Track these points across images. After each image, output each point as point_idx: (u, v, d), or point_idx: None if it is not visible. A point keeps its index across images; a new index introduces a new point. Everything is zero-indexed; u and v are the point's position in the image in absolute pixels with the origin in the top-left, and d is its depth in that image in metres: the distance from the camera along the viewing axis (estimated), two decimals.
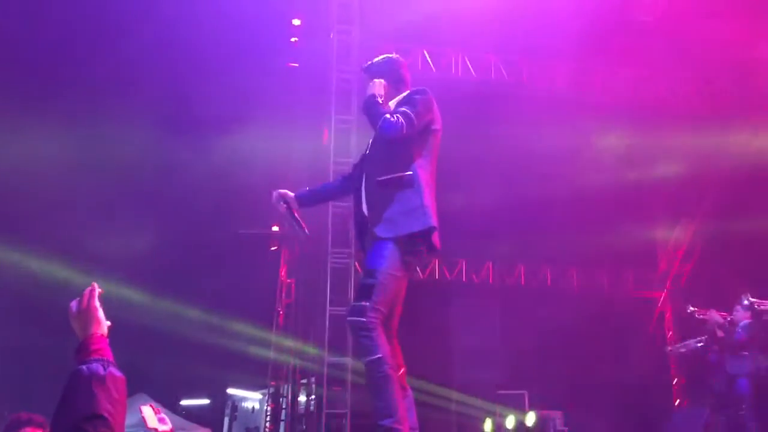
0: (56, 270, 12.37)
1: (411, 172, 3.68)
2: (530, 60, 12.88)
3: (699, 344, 9.71)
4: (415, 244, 3.65)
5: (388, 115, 3.66)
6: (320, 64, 12.61)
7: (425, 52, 12.55)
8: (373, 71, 4.00)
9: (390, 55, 4.14)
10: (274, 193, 4.00)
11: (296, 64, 13.74)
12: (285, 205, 3.98)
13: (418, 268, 3.96)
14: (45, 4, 12.59)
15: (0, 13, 11.82)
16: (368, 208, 3.72)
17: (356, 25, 12.20)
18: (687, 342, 10.41)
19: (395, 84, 3.95)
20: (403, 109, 3.71)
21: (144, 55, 13.26)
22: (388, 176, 3.69)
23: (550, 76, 13.03)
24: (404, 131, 3.64)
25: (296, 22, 13.46)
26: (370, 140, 3.94)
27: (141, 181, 14.82)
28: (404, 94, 3.94)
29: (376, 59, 4.11)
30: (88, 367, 2.03)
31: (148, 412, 4.84)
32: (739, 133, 12.86)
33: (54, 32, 12.62)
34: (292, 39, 13.60)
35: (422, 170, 3.72)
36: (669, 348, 10.76)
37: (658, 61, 12.99)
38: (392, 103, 3.90)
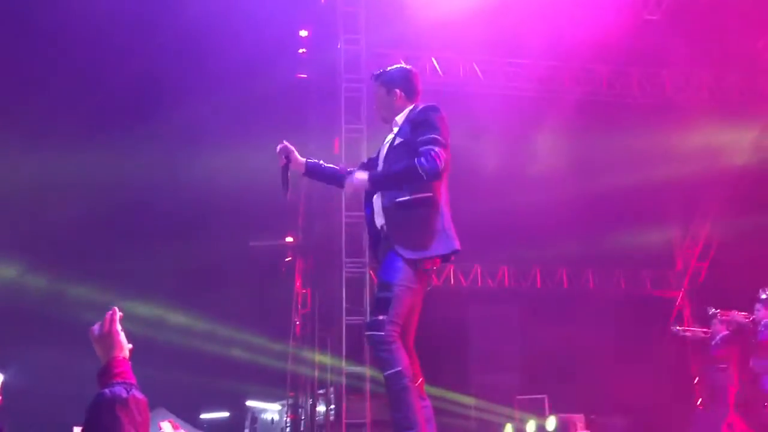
0: (74, 288, 12.46)
1: (431, 194, 3.65)
2: (538, 63, 12.86)
3: (704, 334, 9.72)
4: (435, 263, 3.67)
5: (420, 160, 3.56)
6: (329, 74, 12.65)
7: (433, 59, 12.56)
8: (385, 79, 3.95)
9: (403, 65, 4.10)
10: (281, 145, 3.90)
11: (305, 75, 13.80)
12: (285, 160, 3.89)
13: (434, 277, 3.95)
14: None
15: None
16: (387, 225, 3.69)
17: (363, 34, 12.23)
18: (693, 329, 10.39)
19: (408, 94, 3.90)
20: (429, 137, 3.63)
21: (153, 71, 13.35)
22: (409, 197, 3.64)
23: (558, 78, 13.00)
24: (442, 158, 3.58)
25: (303, 33, 13.52)
26: (383, 149, 3.93)
27: (153, 197, 14.90)
28: (410, 108, 3.87)
29: (389, 68, 4.08)
30: (110, 391, 2.06)
31: (167, 428, 4.92)
32: (752, 128, 12.80)
33: (47, 44, 12.70)
34: (300, 50, 13.66)
35: (440, 189, 3.70)
36: (673, 328, 10.76)
37: (665, 58, 12.94)
38: (401, 117, 3.88)
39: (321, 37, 13.24)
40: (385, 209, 3.69)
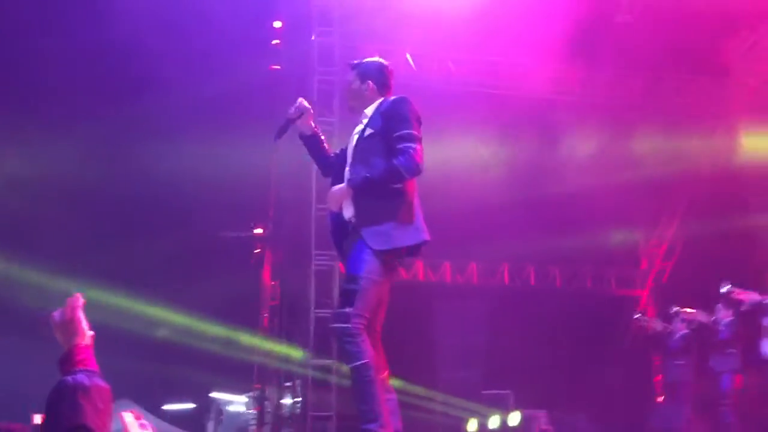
0: (36, 275, 12.28)
1: (400, 185, 3.70)
2: (511, 61, 12.94)
3: (663, 329, 9.97)
4: (401, 255, 3.71)
5: (400, 159, 3.61)
6: (302, 66, 12.58)
7: (407, 54, 12.56)
8: (360, 69, 3.99)
9: (380, 60, 4.12)
10: (302, 101, 3.98)
11: (278, 67, 13.71)
12: (296, 116, 3.95)
13: (400, 271, 4.03)
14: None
15: None
16: (356, 216, 3.71)
17: (337, 26, 12.19)
18: (654, 320, 10.63)
19: (379, 88, 3.95)
20: (405, 132, 3.68)
21: (124, 59, 13.19)
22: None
23: (530, 77, 13.09)
24: (420, 154, 3.65)
25: (277, 24, 13.44)
26: (352, 140, 3.93)
27: (121, 184, 14.74)
28: (380, 101, 3.91)
29: (366, 59, 4.10)
30: (73, 378, 2.04)
31: (129, 418, 4.86)
32: (719, 131, 13.02)
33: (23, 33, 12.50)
34: (274, 41, 13.58)
35: (410, 180, 3.74)
36: (635, 315, 11.00)
37: (637, 61, 13.10)
38: (370, 109, 3.89)
39: (295, 28, 13.16)
40: (355, 201, 3.70)
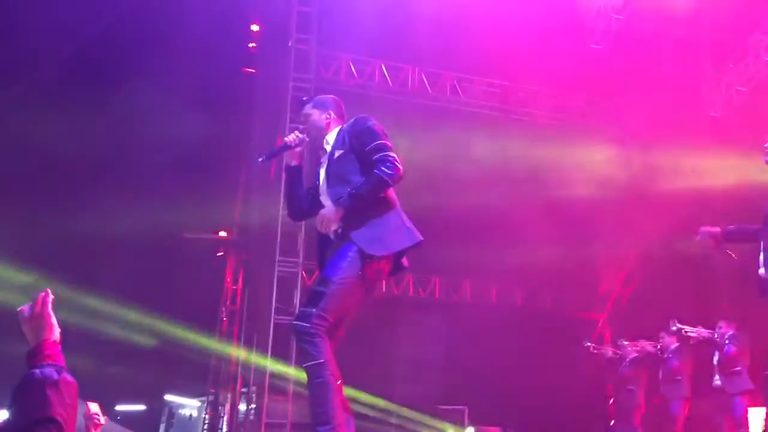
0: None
1: (384, 194, 3.81)
2: (486, 81, 13.13)
3: (613, 354, 10.28)
4: (399, 264, 3.83)
5: (382, 169, 3.70)
6: (277, 72, 12.58)
7: (383, 66, 12.64)
8: (319, 102, 4.11)
9: (332, 96, 4.23)
10: (302, 135, 3.99)
11: (253, 70, 13.69)
12: (294, 144, 3.97)
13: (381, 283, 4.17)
14: None
15: None
16: (344, 226, 3.74)
17: (314, 34, 12.23)
18: (604, 348, 10.90)
19: (338, 117, 4.07)
20: (378, 143, 3.78)
21: (98, 54, 13.02)
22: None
23: (502, 97, 13.31)
24: (399, 161, 3.75)
25: (255, 28, 13.43)
26: (321, 168, 3.97)
27: (85, 174, 14.51)
28: (340, 127, 4.00)
29: (319, 97, 4.22)
30: (41, 371, 2.03)
31: (94, 408, 4.94)
32: (686, 158, 13.30)
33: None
34: (250, 45, 13.56)
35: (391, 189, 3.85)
36: (585, 343, 11.24)
37: (608, 87, 13.38)
38: (332, 136, 3.97)
39: (272, 34, 13.16)
40: (344, 216, 3.74)
